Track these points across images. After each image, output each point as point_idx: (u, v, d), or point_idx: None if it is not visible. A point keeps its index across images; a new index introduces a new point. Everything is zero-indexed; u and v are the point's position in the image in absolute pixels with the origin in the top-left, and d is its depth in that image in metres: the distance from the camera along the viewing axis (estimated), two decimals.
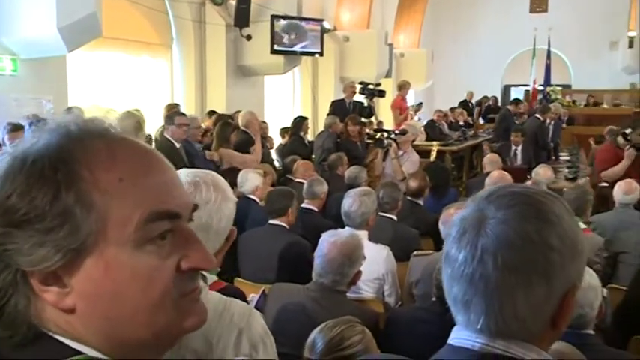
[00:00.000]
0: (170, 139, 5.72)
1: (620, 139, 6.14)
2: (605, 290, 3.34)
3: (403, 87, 10.50)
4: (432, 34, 18.28)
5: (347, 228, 3.48)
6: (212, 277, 2.88)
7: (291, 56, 9.91)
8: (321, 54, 10.44)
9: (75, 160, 0.72)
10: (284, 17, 9.68)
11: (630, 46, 17.47)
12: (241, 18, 9.14)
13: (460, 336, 0.99)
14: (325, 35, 10.95)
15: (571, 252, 0.95)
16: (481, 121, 15.51)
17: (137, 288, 0.72)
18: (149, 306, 0.73)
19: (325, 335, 1.98)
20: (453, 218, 1.03)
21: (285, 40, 9.66)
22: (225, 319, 1.41)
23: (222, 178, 1.70)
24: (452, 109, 13.87)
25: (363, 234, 3.63)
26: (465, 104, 15.91)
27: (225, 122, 6.97)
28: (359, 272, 2.73)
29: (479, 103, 16.38)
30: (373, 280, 3.56)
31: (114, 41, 8.04)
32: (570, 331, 2.35)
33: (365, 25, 13.18)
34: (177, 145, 5.74)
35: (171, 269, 0.75)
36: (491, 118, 15.76)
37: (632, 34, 17.44)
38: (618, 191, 5.01)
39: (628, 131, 6.19)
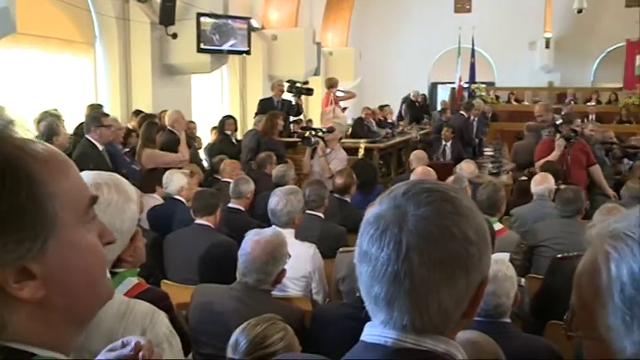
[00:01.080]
0: (93, 141, 5.55)
1: (553, 131, 6.46)
2: (523, 280, 3.47)
3: (333, 85, 10.54)
4: (359, 32, 18.46)
5: (273, 227, 3.47)
6: (133, 280, 2.83)
7: (219, 55, 9.78)
8: (248, 52, 10.35)
9: (30, 156, 0.78)
10: (210, 15, 9.53)
11: (547, 46, 18.22)
12: (166, 16, 8.93)
13: (372, 332, 1.00)
14: (253, 34, 10.87)
15: (484, 244, 0.98)
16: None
17: (94, 261, 0.85)
18: (100, 277, 0.87)
19: (248, 334, 1.98)
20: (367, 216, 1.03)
21: (212, 38, 9.52)
22: (127, 319, 1.44)
23: (124, 180, 1.71)
24: (381, 107, 14.05)
25: (290, 232, 3.64)
26: (410, 102, 16.12)
27: (150, 122, 6.83)
28: (283, 271, 2.72)
29: (405, 100, 16.66)
30: (300, 279, 3.57)
31: (32, 38, 7.71)
32: (488, 320, 2.43)
33: (293, 24, 13.18)
34: (100, 148, 5.59)
35: (101, 244, 0.88)
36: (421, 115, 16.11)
37: (548, 35, 18.18)
38: (535, 184, 5.23)
39: (559, 122, 6.51)
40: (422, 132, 11.96)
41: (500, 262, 2.55)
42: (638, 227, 0.83)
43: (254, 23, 11.44)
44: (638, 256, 0.81)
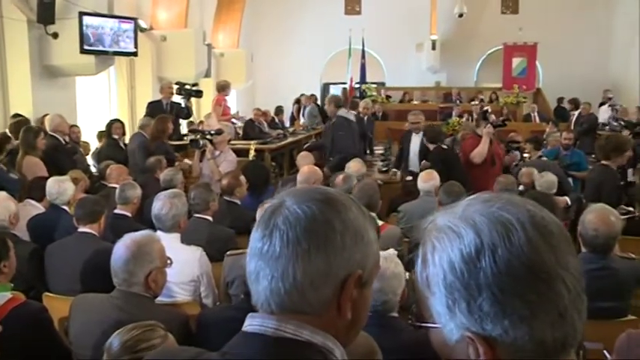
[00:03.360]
0: None
1: (482, 122, 6.98)
2: (407, 274, 3.60)
3: (226, 87, 10.45)
4: (251, 33, 18.40)
5: (158, 231, 3.40)
6: (6, 295, 2.69)
7: (104, 56, 9.41)
8: (135, 54, 10.04)
9: None
10: (93, 15, 9.16)
11: (433, 48, 18.96)
12: (45, 14, 8.45)
13: (253, 323, 1.03)
14: (141, 34, 10.58)
15: (354, 238, 1.03)
16: (302, 120, 15.91)
17: None
18: None
19: (121, 337, 1.94)
20: None
21: (96, 39, 9.15)
22: None
23: None
24: (278, 110, 14.08)
25: (175, 237, 3.59)
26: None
27: (27, 127, 6.49)
28: (155, 273, 2.63)
29: (297, 101, 16.77)
30: (188, 283, 3.52)
31: None
32: (375, 315, 2.50)
33: (182, 25, 12.92)
34: None
35: None
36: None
37: (434, 37, 18.93)
38: (421, 181, 5.45)
39: (487, 109, 7.14)
40: (314, 132, 12.11)
41: (389, 259, 2.61)
42: (459, 219, 0.90)
43: (142, 24, 11.15)
44: (455, 245, 0.87)
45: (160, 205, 3.60)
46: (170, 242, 3.35)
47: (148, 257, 2.62)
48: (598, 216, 3.41)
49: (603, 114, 14.27)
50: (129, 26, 9.76)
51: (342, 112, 7.73)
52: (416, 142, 7.67)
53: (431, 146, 7.20)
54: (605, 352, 2.83)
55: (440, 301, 0.88)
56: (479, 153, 6.84)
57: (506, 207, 0.88)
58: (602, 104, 15.66)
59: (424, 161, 7.11)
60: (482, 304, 0.84)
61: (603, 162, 5.55)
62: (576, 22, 18.38)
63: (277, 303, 1.01)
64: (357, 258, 1.03)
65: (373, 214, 4.22)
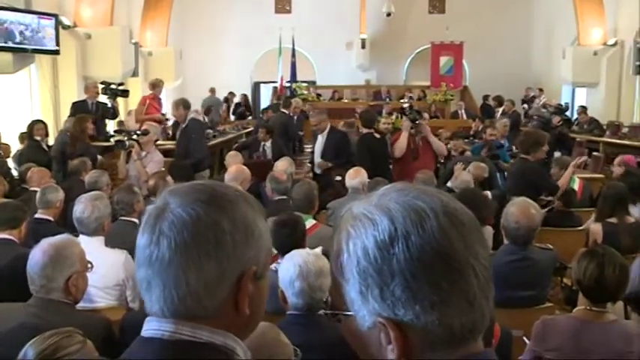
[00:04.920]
0: None
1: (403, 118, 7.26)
2: None
3: (156, 86, 10.23)
4: (179, 32, 18.07)
5: (66, 234, 3.28)
6: None
7: (23, 54, 9.03)
8: (57, 52, 9.68)
9: None
10: (9, 9, 8.75)
11: (363, 46, 19.18)
12: None
13: (150, 327, 1.00)
14: (64, 32, 10.23)
15: (245, 236, 1.01)
16: (232, 118, 15.80)
17: None
18: None
19: (37, 346, 1.85)
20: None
21: (13, 35, 8.75)
22: None
23: None
24: (208, 109, 13.88)
25: (99, 240, 3.49)
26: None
27: None
28: (75, 278, 2.54)
29: (226, 99, 16.64)
30: (114, 287, 3.44)
31: None
32: (303, 313, 2.51)
33: (108, 22, 12.57)
34: None
35: None
36: (241, 114, 16.22)
37: (363, 36, 19.14)
38: (349, 178, 5.51)
39: (406, 105, 7.70)
40: (245, 131, 12.03)
41: (322, 257, 2.61)
42: (374, 207, 0.90)
43: (65, 20, 10.78)
44: (370, 231, 0.88)
45: (81, 207, 3.49)
46: (94, 246, 3.27)
47: (68, 261, 2.53)
48: (519, 209, 3.54)
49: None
50: (49, 22, 9.42)
51: (194, 114, 7.67)
52: (320, 142, 7.54)
53: (364, 130, 7.33)
54: (524, 338, 2.94)
55: (353, 287, 0.89)
56: (397, 147, 7.08)
57: (420, 196, 0.90)
58: (524, 102, 16.25)
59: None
60: (394, 290, 0.85)
61: (523, 156, 5.76)
62: (499, 22, 18.98)
63: (172, 310, 0.99)
64: (250, 254, 1.02)
65: (309, 216, 4.25)
